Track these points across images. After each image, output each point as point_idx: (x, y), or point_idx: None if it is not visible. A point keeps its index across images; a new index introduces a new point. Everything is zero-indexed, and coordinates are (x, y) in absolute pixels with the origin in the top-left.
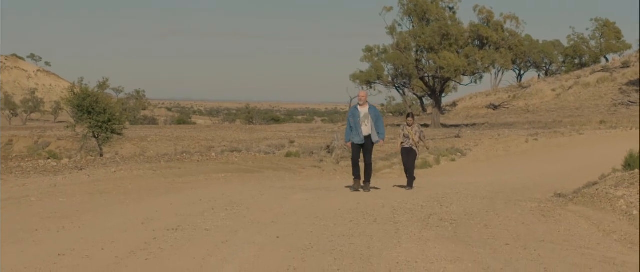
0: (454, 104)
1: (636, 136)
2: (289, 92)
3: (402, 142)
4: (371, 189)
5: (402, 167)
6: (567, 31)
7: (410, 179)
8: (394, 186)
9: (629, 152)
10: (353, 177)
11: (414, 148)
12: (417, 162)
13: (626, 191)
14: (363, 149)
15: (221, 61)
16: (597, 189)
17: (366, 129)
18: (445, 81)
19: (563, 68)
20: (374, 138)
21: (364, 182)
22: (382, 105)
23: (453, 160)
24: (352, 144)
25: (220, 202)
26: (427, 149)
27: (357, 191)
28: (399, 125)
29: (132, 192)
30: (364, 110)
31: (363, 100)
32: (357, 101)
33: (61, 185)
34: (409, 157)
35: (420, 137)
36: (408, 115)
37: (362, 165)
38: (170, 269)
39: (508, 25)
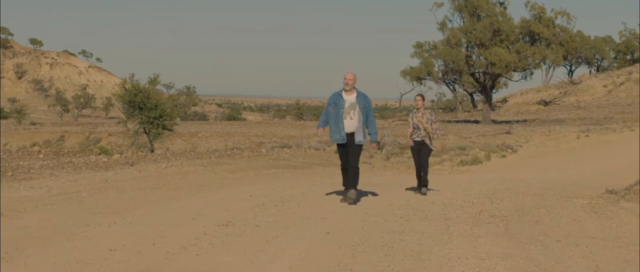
0: (505, 100)
1: None
2: (340, 88)
3: (411, 134)
4: (357, 200)
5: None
6: (618, 27)
7: (424, 180)
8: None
9: None
10: (343, 187)
11: (427, 141)
12: (470, 159)
13: None
14: (347, 150)
15: (271, 57)
16: None
17: (350, 123)
18: (495, 77)
19: (614, 64)
20: (358, 138)
21: (349, 189)
22: (432, 101)
23: (503, 156)
24: (337, 144)
25: (271, 198)
26: (433, 148)
27: (354, 203)
28: (449, 122)
29: (182, 187)
30: (350, 98)
31: (350, 84)
32: (343, 85)
33: (112, 180)
34: (420, 153)
35: (432, 130)
36: (417, 95)
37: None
38: (220, 264)
39: (559, 21)
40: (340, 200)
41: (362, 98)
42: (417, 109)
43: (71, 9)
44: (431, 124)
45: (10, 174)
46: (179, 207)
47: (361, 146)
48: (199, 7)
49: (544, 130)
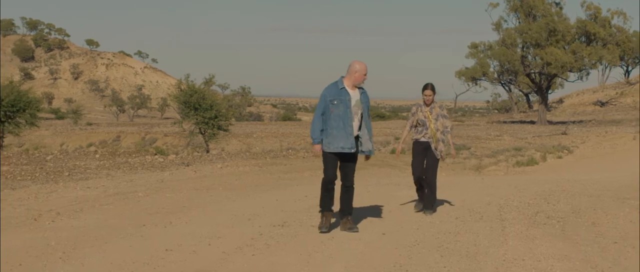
0: (561, 101)
1: None
2: (394, 88)
3: (416, 131)
4: (356, 228)
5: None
6: None
7: (430, 200)
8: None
9: None
10: (320, 210)
11: (434, 145)
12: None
13: None
14: (343, 161)
15: (326, 57)
16: None
17: (355, 126)
18: (551, 78)
19: None
20: (367, 146)
21: (344, 215)
22: (488, 102)
23: (559, 157)
24: (326, 153)
25: None
26: (449, 154)
27: (327, 232)
28: (504, 123)
29: (238, 188)
30: (355, 93)
31: (361, 80)
32: (355, 79)
33: (168, 181)
34: (426, 159)
35: (443, 129)
36: (425, 87)
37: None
38: (276, 265)
39: (615, 20)
40: (319, 228)
41: (365, 95)
42: (426, 104)
43: (127, 9)
44: (440, 121)
45: (66, 174)
46: (234, 208)
47: (367, 155)
48: (253, 9)
49: (601, 131)
